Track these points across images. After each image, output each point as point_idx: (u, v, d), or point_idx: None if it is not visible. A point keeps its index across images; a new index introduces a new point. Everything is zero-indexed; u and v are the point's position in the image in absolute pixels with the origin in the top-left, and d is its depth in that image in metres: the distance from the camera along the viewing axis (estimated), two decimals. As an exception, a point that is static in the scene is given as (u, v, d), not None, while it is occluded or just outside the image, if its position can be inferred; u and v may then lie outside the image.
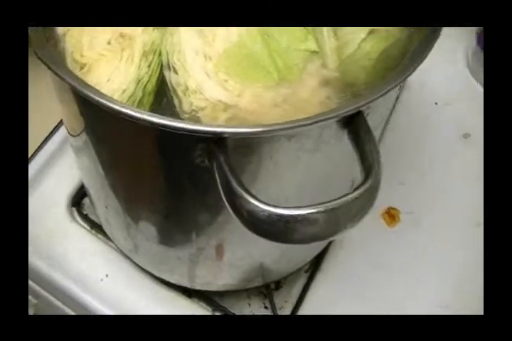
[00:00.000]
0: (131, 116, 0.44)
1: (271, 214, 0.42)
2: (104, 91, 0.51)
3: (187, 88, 0.53)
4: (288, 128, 0.44)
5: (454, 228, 0.83)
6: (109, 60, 0.54)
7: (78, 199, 0.84)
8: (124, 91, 0.53)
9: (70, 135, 0.62)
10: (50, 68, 0.47)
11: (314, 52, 0.56)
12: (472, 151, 0.89)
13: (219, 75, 0.53)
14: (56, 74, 0.47)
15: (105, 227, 0.77)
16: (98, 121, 0.53)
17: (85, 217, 0.82)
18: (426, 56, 0.49)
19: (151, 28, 0.55)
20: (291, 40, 0.56)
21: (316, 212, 0.42)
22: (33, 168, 0.83)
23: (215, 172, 0.46)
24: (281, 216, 0.42)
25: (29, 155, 0.82)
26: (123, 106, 0.44)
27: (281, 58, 0.54)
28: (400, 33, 0.57)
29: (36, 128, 0.78)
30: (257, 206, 0.42)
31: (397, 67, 0.52)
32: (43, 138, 0.85)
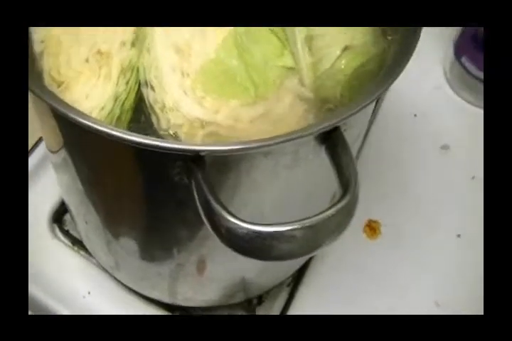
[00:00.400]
0: (109, 135, 0.44)
1: (249, 231, 0.42)
2: (82, 108, 0.51)
3: (164, 105, 0.53)
4: (264, 146, 0.44)
5: (435, 239, 0.83)
6: (87, 78, 0.54)
7: (59, 215, 0.83)
8: (103, 108, 0.53)
9: (50, 151, 0.61)
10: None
11: (291, 68, 0.56)
12: (451, 162, 0.89)
13: (196, 92, 0.53)
14: (34, 92, 0.47)
15: (86, 243, 0.77)
16: (76, 138, 0.53)
17: (67, 233, 0.82)
18: (401, 71, 0.50)
19: (128, 45, 0.56)
20: (268, 54, 0.56)
21: (293, 229, 0.42)
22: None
23: (194, 190, 0.46)
24: (258, 233, 0.42)
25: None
26: (100, 125, 0.44)
27: (257, 74, 0.55)
28: (376, 48, 0.57)
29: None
30: (235, 223, 0.42)
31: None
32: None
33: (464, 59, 0.89)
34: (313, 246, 0.44)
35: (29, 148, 0.85)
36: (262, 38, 0.57)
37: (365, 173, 0.81)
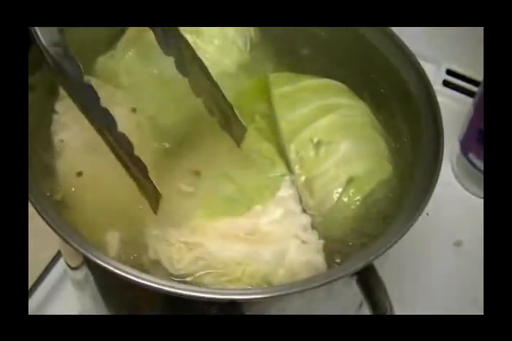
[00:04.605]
0: (142, 285, 0.44)
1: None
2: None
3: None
4: (299, 291, 0.44)
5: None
6: None
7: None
8: None
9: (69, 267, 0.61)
10: (56, 231, 0.48)
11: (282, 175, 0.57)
12: (465, 258, 0.89)
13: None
14: (60, 236, 0.47)
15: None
16: (101, 275, 0.53)
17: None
18: (428, 200, 0.51)
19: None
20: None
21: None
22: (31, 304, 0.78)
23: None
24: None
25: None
26: (132, 275, 0.44)
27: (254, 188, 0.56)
28: (381, 174, 0.58)
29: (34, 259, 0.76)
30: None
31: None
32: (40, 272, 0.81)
33: (471, 155, 0.90)
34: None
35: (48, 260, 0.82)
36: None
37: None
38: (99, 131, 0.50)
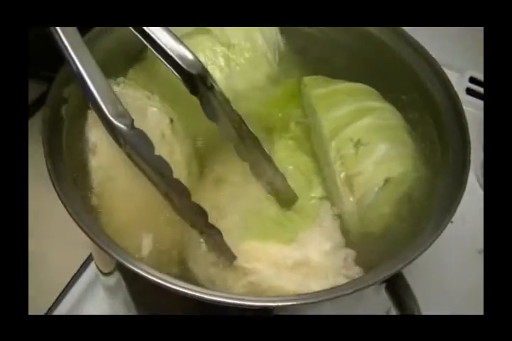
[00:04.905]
0: (178, 291, 0.45)
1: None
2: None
3: None
4: (329, 299, 0.45)
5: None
6: None
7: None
8: None
9: (101, 273, 0.62)
10: (87, 234, 0.49)
11: (323, 197, 0.58)
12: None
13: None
14: (96, 243, 0.48)
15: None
16: (135, 281, 0.54)
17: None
18: (454, 210, 0.51)
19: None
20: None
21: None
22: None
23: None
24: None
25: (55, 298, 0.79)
26: (168, 282, 0.46)
27: (295, 212, 0.57)
28: (415, 174, 0.59)
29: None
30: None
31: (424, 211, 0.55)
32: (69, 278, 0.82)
33: (497, 163, 0.90)
34: None
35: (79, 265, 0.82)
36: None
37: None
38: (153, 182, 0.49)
